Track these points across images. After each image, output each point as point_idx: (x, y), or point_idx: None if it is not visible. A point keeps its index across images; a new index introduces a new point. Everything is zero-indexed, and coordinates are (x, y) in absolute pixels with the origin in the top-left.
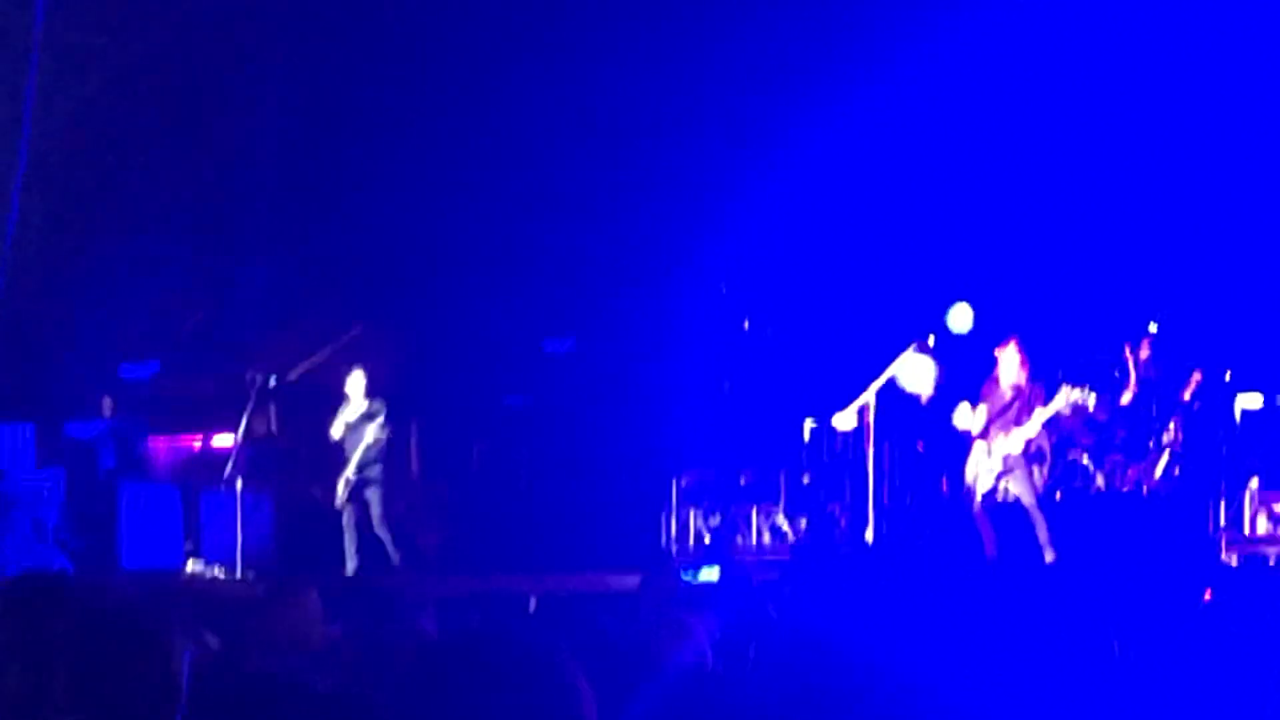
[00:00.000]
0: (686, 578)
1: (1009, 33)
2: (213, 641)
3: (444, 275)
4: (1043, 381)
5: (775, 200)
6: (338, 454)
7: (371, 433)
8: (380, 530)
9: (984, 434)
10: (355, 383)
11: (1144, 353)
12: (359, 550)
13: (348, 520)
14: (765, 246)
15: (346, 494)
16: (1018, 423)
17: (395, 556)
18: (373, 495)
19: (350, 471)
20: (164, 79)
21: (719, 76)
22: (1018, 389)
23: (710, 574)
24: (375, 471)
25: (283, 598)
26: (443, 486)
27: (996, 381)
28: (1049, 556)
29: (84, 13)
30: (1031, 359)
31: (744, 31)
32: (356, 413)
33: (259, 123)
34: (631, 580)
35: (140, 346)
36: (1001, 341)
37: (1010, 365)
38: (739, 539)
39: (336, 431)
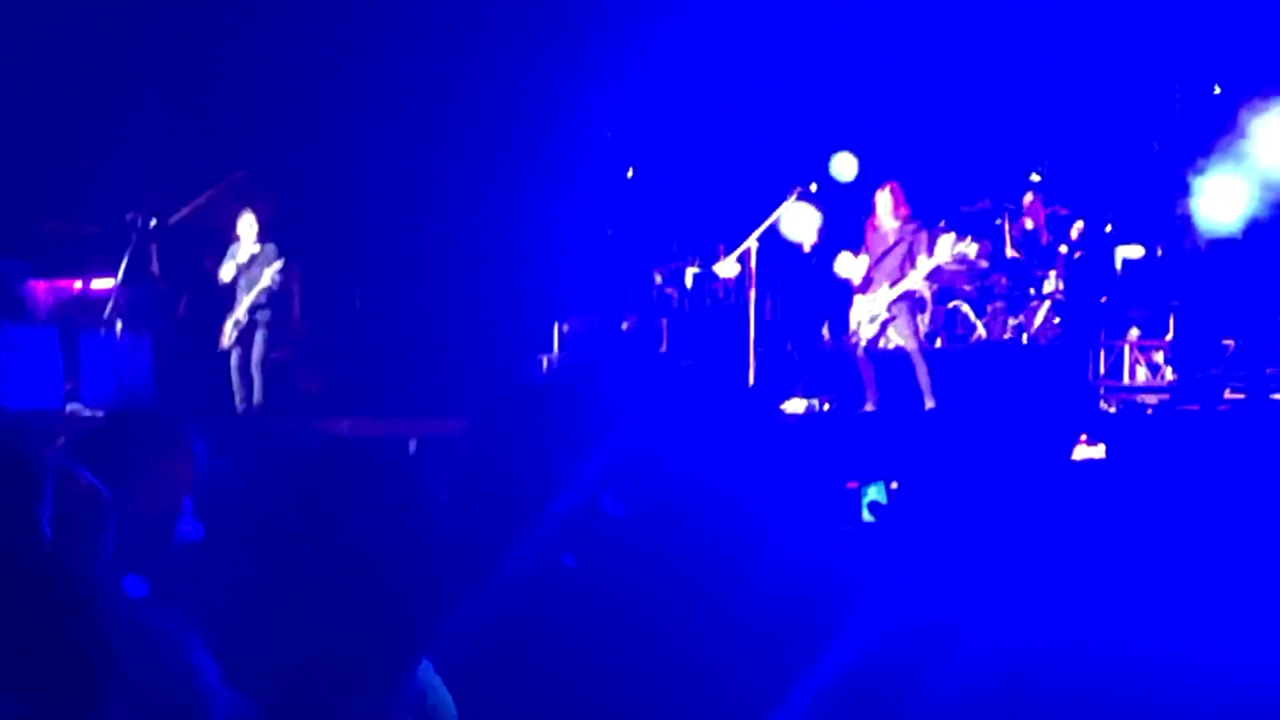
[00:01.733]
0: None
1: None
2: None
3: (327, 120)
4: (925, 228)
5: (661, 46)
6: (219, 296)
7: (266, 276)
8: (256, 372)
9: (866, 282)
10: (246, 225)
11: (1026, 201)
12: (245, 392)
13: (236, 362)
14: (650, 93)
15: (235, 335)
16: (900, 271)
17: (260, 399)
18: (259, 338)
19: (240, 313)
20: None
21: None
22: (899, 234)
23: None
24: (265, 315)
25: (158, 434)
26: (324, 331)
27: (875, 226)
28: (929, 404)
29: None
30: (912, 204)
31: None
32: (248, 255)
33: None
34: None
35: (19, 189)
36: (880, 186)
37: (884, 208)
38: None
39: (226, 274)
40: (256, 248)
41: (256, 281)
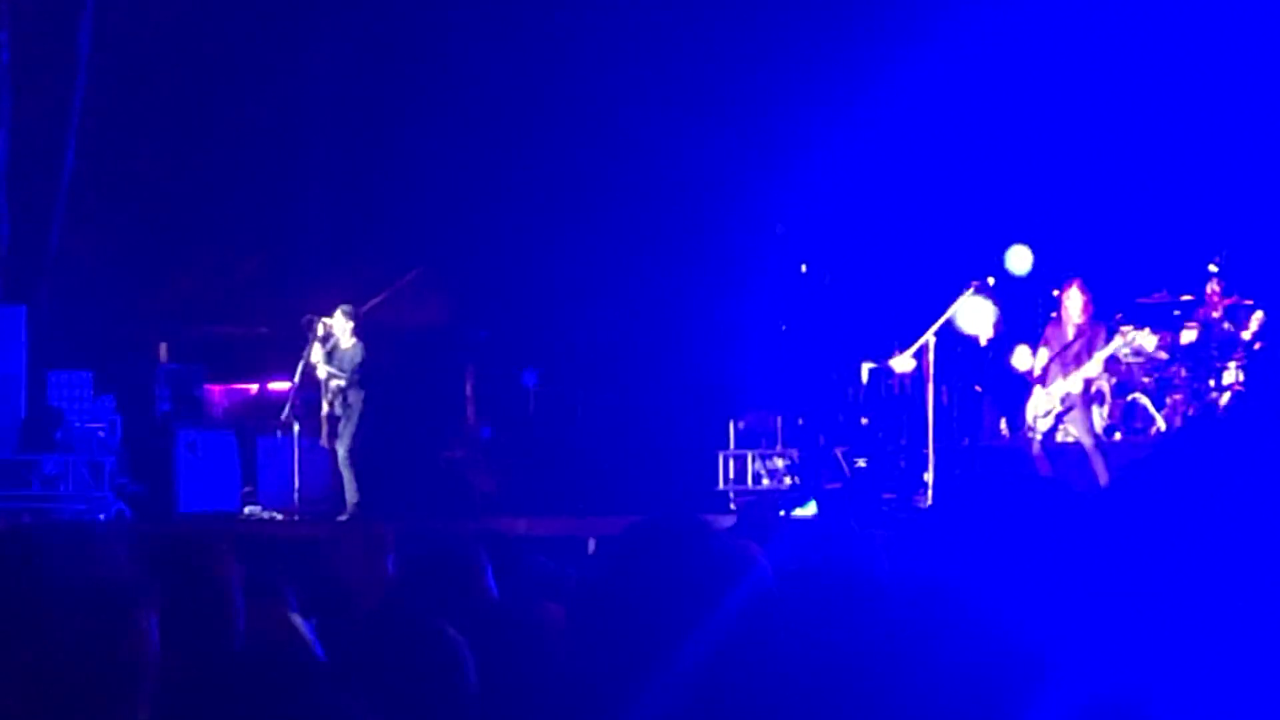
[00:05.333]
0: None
1: None
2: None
3: (501, 217)
4: (1103, 322)
5: (834, 141)
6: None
7: (348, 368)
8: (345, 470)
9: (1043, 375)
10: (342, 323)
11: (1206, 291)
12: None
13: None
14: (823, 187)
15: (329, 432)
16: (1078, 364)
17: (351, 500)
18: (345, 433)
19: (325, 410)
20: (221, 24)
21: (784, 19)
22: (1080, 329)
23: (808, 510)
24: (349, 412)
25: (356, 536)
26: (499, 429)
27: (1059, 322)
28: None
29: None
30: (1093, 299)
31: None
32: (341, 352)
33: (316, 68)
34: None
35: (196, 291)
36: (1064, 282)
37: (1074, 305)
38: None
39: (322, 372)
40: (351, 342)
41: (338, 378)
